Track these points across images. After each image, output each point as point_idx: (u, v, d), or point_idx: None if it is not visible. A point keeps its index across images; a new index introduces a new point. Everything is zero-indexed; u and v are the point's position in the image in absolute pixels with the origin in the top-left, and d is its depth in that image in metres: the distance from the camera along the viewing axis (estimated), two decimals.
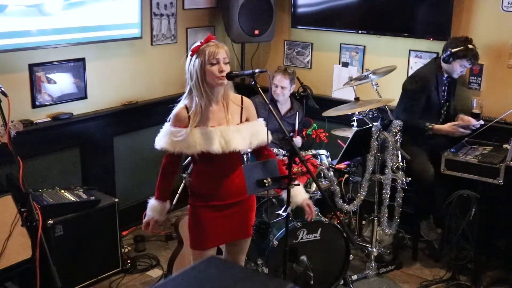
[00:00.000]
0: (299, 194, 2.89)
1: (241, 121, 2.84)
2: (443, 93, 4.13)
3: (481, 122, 4.02)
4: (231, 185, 2.84)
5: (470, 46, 3.91)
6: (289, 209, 2.79)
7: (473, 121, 3.98)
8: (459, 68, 3.97)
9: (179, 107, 2.78)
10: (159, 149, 2.79)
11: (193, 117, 2.72)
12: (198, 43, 2.73)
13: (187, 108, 2.75)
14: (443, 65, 4.04)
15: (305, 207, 2.90)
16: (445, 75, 4.08)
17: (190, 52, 2.74)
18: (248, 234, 3.01)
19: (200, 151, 2.71)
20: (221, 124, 2.76)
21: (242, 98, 2.89)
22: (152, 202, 2.90)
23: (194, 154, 2.75)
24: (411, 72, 4.41)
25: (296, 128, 4.27)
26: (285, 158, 3.65)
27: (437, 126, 4.01)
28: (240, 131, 2.79)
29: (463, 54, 3.89)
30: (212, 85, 2.71)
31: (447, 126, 4.01)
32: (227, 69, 2.71)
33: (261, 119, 2.92)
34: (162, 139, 2.77)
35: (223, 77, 2.68)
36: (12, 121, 3.10)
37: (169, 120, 2.80)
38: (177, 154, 2.76)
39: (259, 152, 2.95)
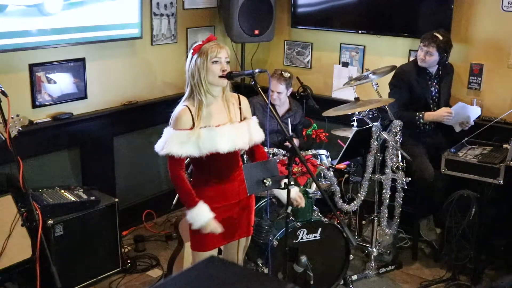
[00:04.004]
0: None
1: (241, 120, 2.86)
2: (431, 88, 4.14)
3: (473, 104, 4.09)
4: (233, 185, 2.85)
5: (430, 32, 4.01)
6: (289, 209, 2.79)
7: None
8: (419, 53, 4.04)
9: (180, 108, 2.73)
10: (162, 155, 2.70)
11: (197, 118, 2.68)
12: (199, 42, 2.75)
13: (189, 109, 2.71)
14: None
15: (296, 198, 2.85)
16: (428, 69, 4.11)
17: (192, 51, 2.74)
18: (248, 232, 3.01)
19: (209, 152, 2.67)
20: (224, 123, 2.76)
21: (239, 96, 2.91)
22: (198, 208, 2.72)
23: (202, 156, 2.68)
24: None
25: (290, 131, 4.26)
26: (285, 158, 3.65)
27: (428, 113, 4.04)
28: (242, 129, 2.81)
29: (420, 39, 4.03)
30: (213, 84, 2.72)
31: (440, 110, 4.05)
32: (228, 68, 2.73)
33: (254, 117, 2.94)
34: (167, 144, 2.67)
35: (224, 76, 2.69)
36: (17, 115, 3.07)
37: (170, 124, 2.74)
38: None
39: (252, 150, 2.95)
